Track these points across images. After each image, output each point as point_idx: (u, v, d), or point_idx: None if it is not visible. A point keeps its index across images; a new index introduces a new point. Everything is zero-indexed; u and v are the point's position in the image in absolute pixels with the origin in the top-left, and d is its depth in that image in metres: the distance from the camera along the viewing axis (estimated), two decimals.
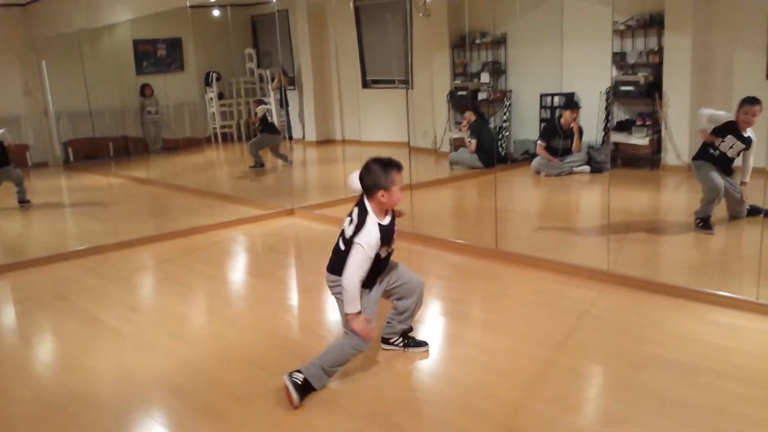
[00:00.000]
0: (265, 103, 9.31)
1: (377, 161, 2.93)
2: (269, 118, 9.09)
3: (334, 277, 2.99)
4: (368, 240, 2.88)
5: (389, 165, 2.92)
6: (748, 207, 5.13)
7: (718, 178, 4.88)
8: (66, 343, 3.79)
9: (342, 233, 3.02)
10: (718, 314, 3.56)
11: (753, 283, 3.67)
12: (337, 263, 2.99)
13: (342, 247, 2.99)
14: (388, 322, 3.31)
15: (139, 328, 3.90)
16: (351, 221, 2.98)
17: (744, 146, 4.86)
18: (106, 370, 3.36)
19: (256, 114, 8.95)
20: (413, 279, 3.20)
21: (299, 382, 2.86)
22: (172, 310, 4.23)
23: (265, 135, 8.88)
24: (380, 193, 2.90)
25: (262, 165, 9.00)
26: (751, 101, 4.77)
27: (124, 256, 5.46)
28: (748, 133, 4.85)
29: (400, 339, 3.32)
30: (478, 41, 8.78)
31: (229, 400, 2.95)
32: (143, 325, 3.97)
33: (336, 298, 3.05)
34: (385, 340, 3.34)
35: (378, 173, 2.89)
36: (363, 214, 2.94)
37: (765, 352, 3.12)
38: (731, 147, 4.88)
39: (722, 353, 3.11)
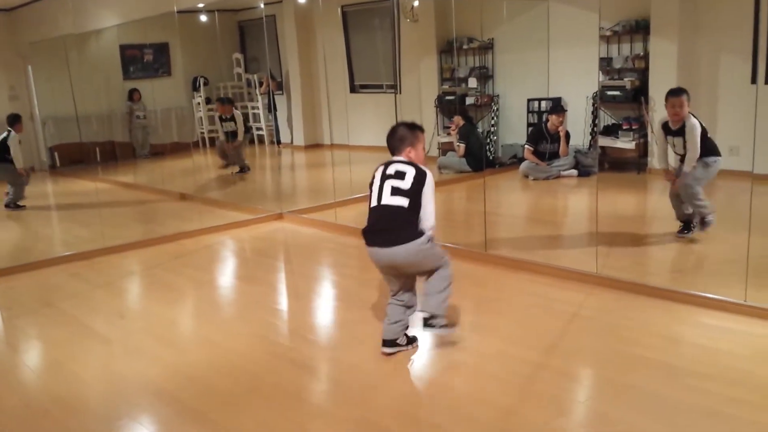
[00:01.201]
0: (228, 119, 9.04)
1: (402, 123, 3.28)
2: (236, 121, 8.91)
3: (407, 246, 3.07)
4: (432, 181, 3.14)
5: (414, 126, 3.26)
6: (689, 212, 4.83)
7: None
8: (53, 349, 3.76)
9: (392, 191, 3.11)
10: (706, 316, 3.58)
11: (741, 285, 3.69)
12: (400, 230, 3.08)
13: (405, 204, 3.08)
14: (396, 321, 3.26)
15: (126, 334, 3.87)
16: (400, 175, 3.12)
17: (682, 137, 4.60)
18: (94, 376, 3.33)
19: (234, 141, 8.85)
20: None
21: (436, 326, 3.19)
22: (161, 315, 4.20)
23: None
24: (408, 149, 3.20)
25: (248, 169, 8.97)
26: (674, 92, 4.53)
27: (111, 262, 5.42)
28: (684, 122, 4.57)
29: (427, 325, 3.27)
30: (465, 46, 8.82)
31: (218, 405, 2.93)
32: (131, 330, 3.94)
33: (417, 264, 3.16)
34: (391, 342, 3.28)
35: (405, 132, 3.22)
36: (413, 165, 3.16)
37: (753, 354, 3.14)
38: (674, 145, 4.73)
39: (711, 355, 3.13)
